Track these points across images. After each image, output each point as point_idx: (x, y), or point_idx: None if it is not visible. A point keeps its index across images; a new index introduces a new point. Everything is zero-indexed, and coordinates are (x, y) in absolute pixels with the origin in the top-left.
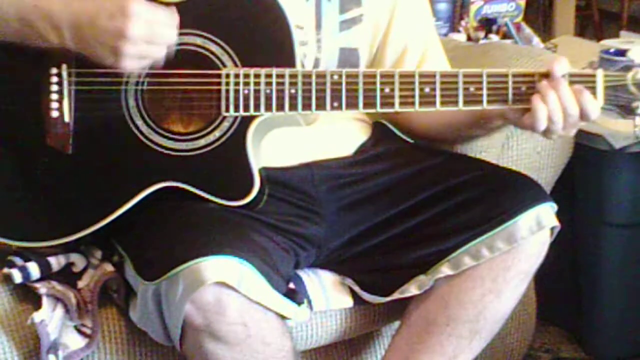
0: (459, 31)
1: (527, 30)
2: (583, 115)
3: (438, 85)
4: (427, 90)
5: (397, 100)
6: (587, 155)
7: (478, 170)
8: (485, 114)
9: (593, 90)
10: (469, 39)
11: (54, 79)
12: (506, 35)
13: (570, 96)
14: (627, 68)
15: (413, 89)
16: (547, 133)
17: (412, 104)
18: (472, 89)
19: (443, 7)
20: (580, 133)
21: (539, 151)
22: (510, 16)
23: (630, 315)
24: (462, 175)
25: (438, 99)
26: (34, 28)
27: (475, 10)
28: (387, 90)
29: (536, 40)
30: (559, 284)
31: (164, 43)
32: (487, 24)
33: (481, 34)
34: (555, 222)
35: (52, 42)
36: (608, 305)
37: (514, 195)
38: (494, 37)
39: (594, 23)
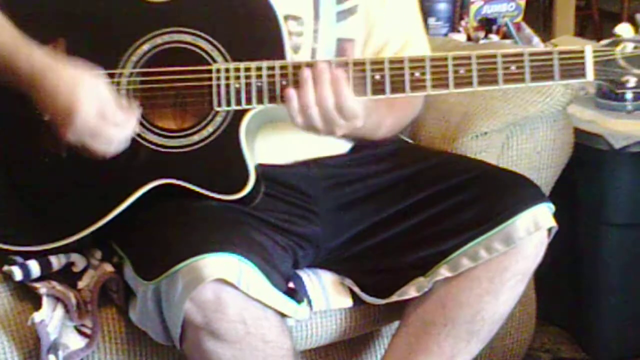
0: (459, 31)
1: (527, 30)
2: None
3: (428, 69)
4: (417, 74)
5: (387, 87)
6: (587, 155)
7: (475, 171)
8: None
9: (582, 65)
10: (469, 39)
11: None
12: (506, 35)
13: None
14: (615, 42)
15: (403, 74)
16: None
17: (403, 89)
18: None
19: (443, 7)
20: (581, 133)
21: (539, 151)
22: (510, 16)
23: (630, 316)
24: (459, 176)
25: (429, 83)
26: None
27: (475, 10)
28: (377, 77)
29: (536, 40)
30: (559, 284)
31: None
32: (487, 24)
33: (481, 34)
34: (552, 223)
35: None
36: (608, 305)
37: (511, 196)
38: (494, 37)
39: (594, 23)
